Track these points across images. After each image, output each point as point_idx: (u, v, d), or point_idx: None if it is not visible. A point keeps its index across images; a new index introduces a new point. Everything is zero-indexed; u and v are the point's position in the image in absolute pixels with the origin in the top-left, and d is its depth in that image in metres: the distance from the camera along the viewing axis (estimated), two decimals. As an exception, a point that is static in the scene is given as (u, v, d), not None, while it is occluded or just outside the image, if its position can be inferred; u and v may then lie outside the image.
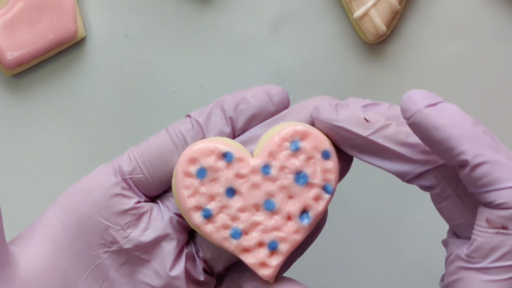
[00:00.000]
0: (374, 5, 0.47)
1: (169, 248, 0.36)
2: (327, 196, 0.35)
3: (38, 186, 0.49)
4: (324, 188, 0.35)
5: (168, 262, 0.36)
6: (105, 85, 0.49)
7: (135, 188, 0.36)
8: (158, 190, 0.37)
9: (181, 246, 0.37)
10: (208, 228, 0.35)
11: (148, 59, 0.49)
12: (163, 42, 0.49)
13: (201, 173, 0.35)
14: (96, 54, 0.49)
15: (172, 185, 0.36)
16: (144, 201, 0.37)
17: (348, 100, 0.36)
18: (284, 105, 0.37)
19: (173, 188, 0.36)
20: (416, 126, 0.33)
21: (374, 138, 0.35)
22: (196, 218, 0.35)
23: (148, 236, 0.36)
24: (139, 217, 0.36)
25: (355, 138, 0.35)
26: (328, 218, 0.39)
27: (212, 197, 0.35)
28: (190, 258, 0.37)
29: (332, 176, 0.35)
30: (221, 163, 0.35)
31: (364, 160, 0.36)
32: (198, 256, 0.37)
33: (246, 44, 0.49)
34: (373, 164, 0.36)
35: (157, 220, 0.36)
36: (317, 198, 0.35)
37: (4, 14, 0.47)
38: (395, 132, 0.35)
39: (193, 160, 0.35)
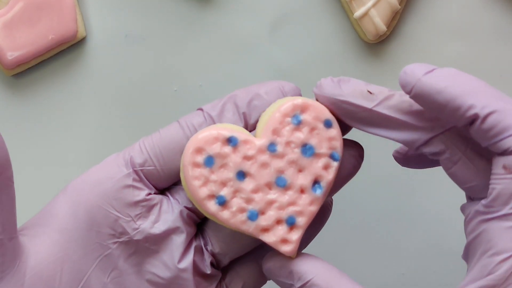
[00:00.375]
0: (374, 5, 0.47)
1: (179, 240, 0.36)
2: (335, 163, 0.36)
3: (37, 186, 0.49)
4: (331, 156, 0.36)
5: (177, 255, 0.36)
6: (105, 85, 0.49)
7: (146, 180, 0.36)
8: (168, 183, 0.37)
9: (190, 239, 0.37)
10: (224, 215, 0.35)
11: (148, 59, 0.49)
12: (163, 42, 0.49)
13: (209, 161, 0.35)
14: (96, 54, 0.49)
15: (181, 178, 0.36)
16: (154, 193, 0.37)
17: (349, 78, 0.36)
18: None
19: (182, 181, 0.36)
20: (419, 96, 0.33)
21: (379, 109, 0.35)
22: (211, 207, 0.35)
23: (158, 228, 0.36)
24: (150, 209, 0.36)
25: (360, 111, 0.35)
26: (328, 218, 0.39)
27: (223, 183, 0.35)
28: (199, 251, 0.37)
29: (337, 143, 0.36)
30: (227, 148, 0.35)
31: (370, 133, 0.36)
32: (207, 249, 0.37)
33: (246, 44, 0.49)
34: (380, 135, 0.36)
35: (168, 213, 0.37)
36: (326, 167, 0.36)
37: (4, 14, 0.47)
38: (399, 102, 0.35)
39: (199, 150, 0.35)
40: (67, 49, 0.49)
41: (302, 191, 0.36)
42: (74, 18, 0.48)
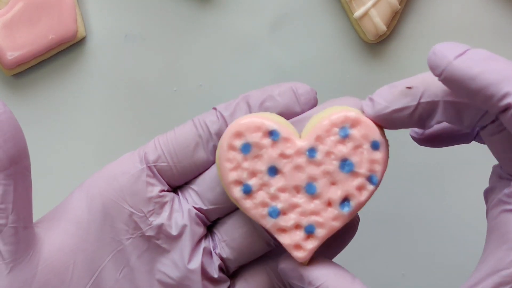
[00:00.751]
0: (374, 5, 0.47)
1: (188, 240, 0.36)
2: (371, 187, 0.35)
3: (36, 186, 0.49)
4: (369, 179, 0.35)
5: (186, 254, 0.36)
6: (105, 85, 0.49)
7: (159, 176, 0.37)
8: (180, 180, 0.37)
9: (199, 240, 0.37)
10: (247, 204, 0.35)
11: (148, 59, 0.49)
12: (163, 42, 0.49)
13: (246, 148, 0.35)
14: (96, 54, 0.49)
15: (216, 157, 0.36)
16: (167, 190, 0.37)
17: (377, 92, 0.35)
18: (311, 105, 0.37)
19: (216, 159, 0.36)
20: (449, 81, 0.32)
21: (427, 99, 0.33)
22: (236, 192, 0.35)
23: (169, 226, 0.36)
24: (162, 206, 0.37)
25: (413, 112, 0.34)
26: (352, 237, 0.39)
27: (253, 174, 0.35)
28: (207, 253, 0.37)
29: (379, 168, 0.35)
30: (267, 141, 0.35)
31: (437, 128, 0.34)
32: (215, 252, 0.37)
33: (246, 44, 0.49)
34: (445, 124, 0.34)
35: (179, 212, 0.37)
36: (360, 188, 0.35)
37: (4, 14, 0.47)
38: (441, 83, 0.33)
39: (239, 134, 0.35)
40: (67, 49, 0.49)
41: (329, 204, 0.35)
42: (74, 18, 0.48)
